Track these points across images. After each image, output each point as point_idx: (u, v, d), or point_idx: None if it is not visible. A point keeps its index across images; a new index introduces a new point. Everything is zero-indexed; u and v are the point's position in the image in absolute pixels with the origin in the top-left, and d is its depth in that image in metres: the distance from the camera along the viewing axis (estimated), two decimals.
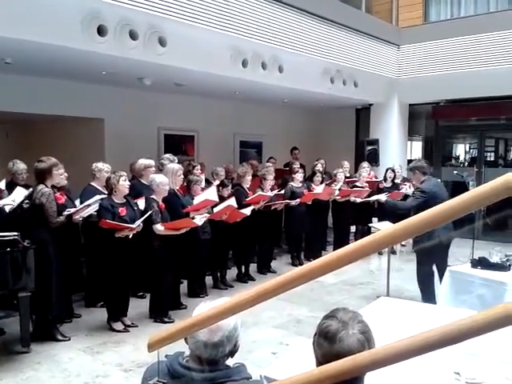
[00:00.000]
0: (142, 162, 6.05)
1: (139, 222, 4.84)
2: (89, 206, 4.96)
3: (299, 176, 7.67)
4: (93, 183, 5.58)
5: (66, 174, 5.15)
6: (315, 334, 1.45)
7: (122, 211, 4.86)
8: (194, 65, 6.25)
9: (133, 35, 5.45)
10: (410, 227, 1.05)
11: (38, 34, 4.73)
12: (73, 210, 4.83)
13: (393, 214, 5.89)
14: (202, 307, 1.57)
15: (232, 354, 1.59)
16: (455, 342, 0.97)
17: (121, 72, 6.55)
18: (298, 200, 7.38)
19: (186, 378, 1.55)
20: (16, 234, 4.31)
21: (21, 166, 5.63)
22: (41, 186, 4.60)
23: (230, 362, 1.63)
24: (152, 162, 6.11)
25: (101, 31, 5.18)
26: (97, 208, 4.94)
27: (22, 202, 4.95)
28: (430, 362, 2.25)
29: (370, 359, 1.06)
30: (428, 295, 5.11)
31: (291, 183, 7.64)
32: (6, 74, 6.35)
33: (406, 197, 7.88)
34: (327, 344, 1.38)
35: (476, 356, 2.39)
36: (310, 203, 7.60)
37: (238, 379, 1.55)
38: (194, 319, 1.46)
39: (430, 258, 5.17)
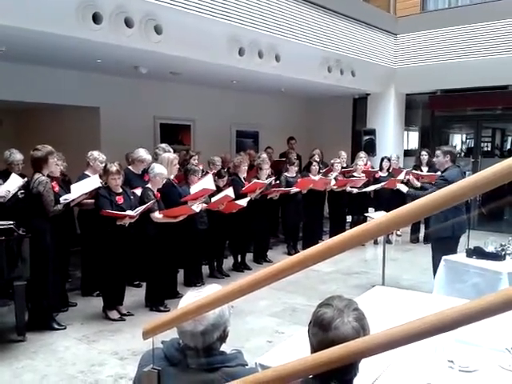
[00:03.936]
0: (141, 154, 5.88)
1: (140, 209, 4.86)
2: (86, 194, 4.98)
3: (293, 168, 7.69)
4: (87, 172, 5.54)
5: (61, 167, 5.14)
6: (310, 322, 1.46)
7: (120, 199, 4.91)
8: (190, 53, 6.21)
9: (128, 23, 5.40)
10: (403, 215, 1.05)
11: (31, 21, 4.68)
12: (70, 198, 4.82)
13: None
14: (189, 296, 1.57)
15: (222, 339, 1.60)
16: (453, 327, 0.97)
17: (116, 60, 6.50)
18: (295, 189, 7.40)
19: (182, 364, 1.56)
20: (11, 222, 4.30)
21: (17, 156, 5.57)
22: (37, 175, 4.58)
23: (227, 348, 1.64)
24: (149, 158, 5.93)
25: (96, 19, 5.12)
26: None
27: (17, 192, 4.93)
28: (423, 350, 2.27)
29: (364, 346, 1.07)
30: None
31: (285, 174, 7.64)
32: None
33: (403, 183, 7.92)
34: (322, 332, 1.38)
35: (469, 344, 2.41)
36: (305, 192, 7.61)
37: (233, 365, 1.56)
38: (190, 307, 1.46)
39: (445, 247, 5.19)
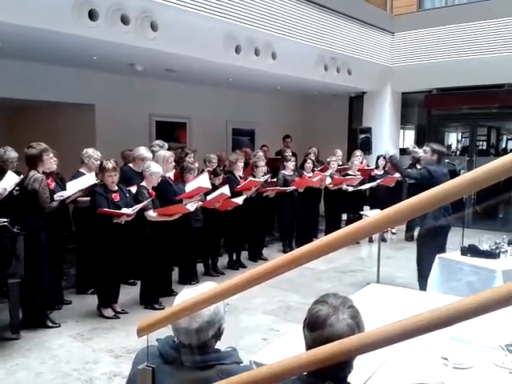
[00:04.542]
0: (142, 152, 5.81)
1: (137, 207, 4.85)
2: (81, 191, 4.96)
3: (291, 164, 7.67)
4: (81, 169, 5.53)
5: (55, 159, 5.11)
6: (305, 319, 1.46)
7: (116, 197, 4.89)
8: (186, 50, 6.19)
9: (124, 20, 5.38)
10: (398, 213, 1.05)
11: (27, 17, 4.65)
12: (66, 195, 4.80)
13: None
14: (185, 293, 1.57)
15: (217, 337, 1.59)
16: (449, 324, 0.97)
17: (112, 57, 6.48)
18: (292, 187, 7.41)
19: (176, 362, 1.55)
20: (5, 220, 4.28)
21: (12, 154, 5.54)
22: (32, 172, 4.56)
23: (222, 346, 1.64)
24: (150, 156, 5.84)
25: (92, 15, 5.10)
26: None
27: (13, 189, 4.90)
28: (418, 347, 2.27)
29: (358, 343, 1.06)
30: (425, 281, 5.14)
31: (283, 171, 7.64)
32: None
33: (398, 182, 8.00)
34: (317, 329, 1.39)
35: (464, 341, 2.42)
36: (301, 190, 7.62)
37: (228, 363, 1.55)
38: (184, 304, 1.45)
39: (431, 244, 5.22)
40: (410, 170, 5.72)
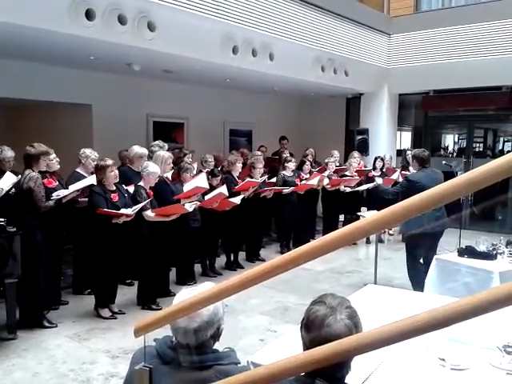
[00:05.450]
0: (137, 150, 5.86)
1: (137, 208, 4.83)
2: (77, 191, 4.95)
3: (291, 165, 7.66)
4: (78, 169, 5.53)
5: (57, 159, 5.10)
6: (303, 319, 1.46)
7: (114, 197, 4.87)
8: (183, 51, 6.18)
9: (121, 20, 5.37)
10: (395, 214, 1.05)
11: (24, 17, 4.63)
12: (62, 194, 4.78)
13: (382, 198, 5.88)
14: (184, 293, 1.57)
15: (216, 337, 1.59)
16: (446, 325, 0.97)
17: (109, 57, 6.47)
18: (291, 188, 7.40)
19: (174, 362, 1.55)
20: (2, 220, 4.27)
21: (9, 153, 5.52)
22: (28, 171, 4.56)
23: (220, 347, 1.64)
24: (146, 152, 5.92)
25: (89, 15, 5.09)
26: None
27: (10, 189, 4.89)
28: (415, 348, 2.28)
29: (356, 343, 1.07)
30: (417, 283, 5.15)
31: (283, 172, 7.63)
32: None
33: (395, 183, 8.00)
34: (315, 329, 1.39)
35: (461, 342, 2.42)
36: (302, 193, 7.62)
37: (226, 363, 1.55)
38: (181, 304, 1.45)
39: (420, 246, 5.23)
40: (390, 188, 5.84)
